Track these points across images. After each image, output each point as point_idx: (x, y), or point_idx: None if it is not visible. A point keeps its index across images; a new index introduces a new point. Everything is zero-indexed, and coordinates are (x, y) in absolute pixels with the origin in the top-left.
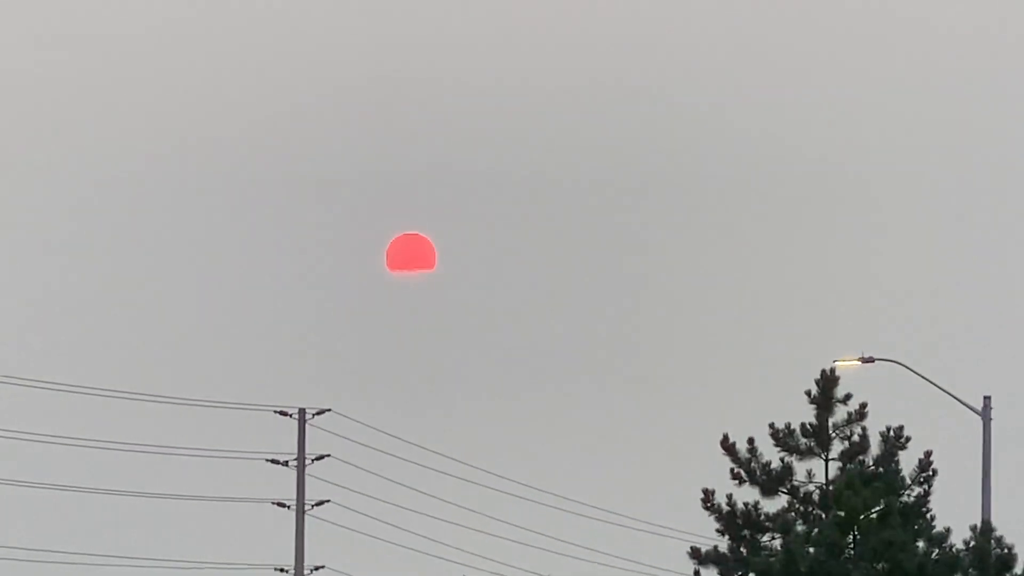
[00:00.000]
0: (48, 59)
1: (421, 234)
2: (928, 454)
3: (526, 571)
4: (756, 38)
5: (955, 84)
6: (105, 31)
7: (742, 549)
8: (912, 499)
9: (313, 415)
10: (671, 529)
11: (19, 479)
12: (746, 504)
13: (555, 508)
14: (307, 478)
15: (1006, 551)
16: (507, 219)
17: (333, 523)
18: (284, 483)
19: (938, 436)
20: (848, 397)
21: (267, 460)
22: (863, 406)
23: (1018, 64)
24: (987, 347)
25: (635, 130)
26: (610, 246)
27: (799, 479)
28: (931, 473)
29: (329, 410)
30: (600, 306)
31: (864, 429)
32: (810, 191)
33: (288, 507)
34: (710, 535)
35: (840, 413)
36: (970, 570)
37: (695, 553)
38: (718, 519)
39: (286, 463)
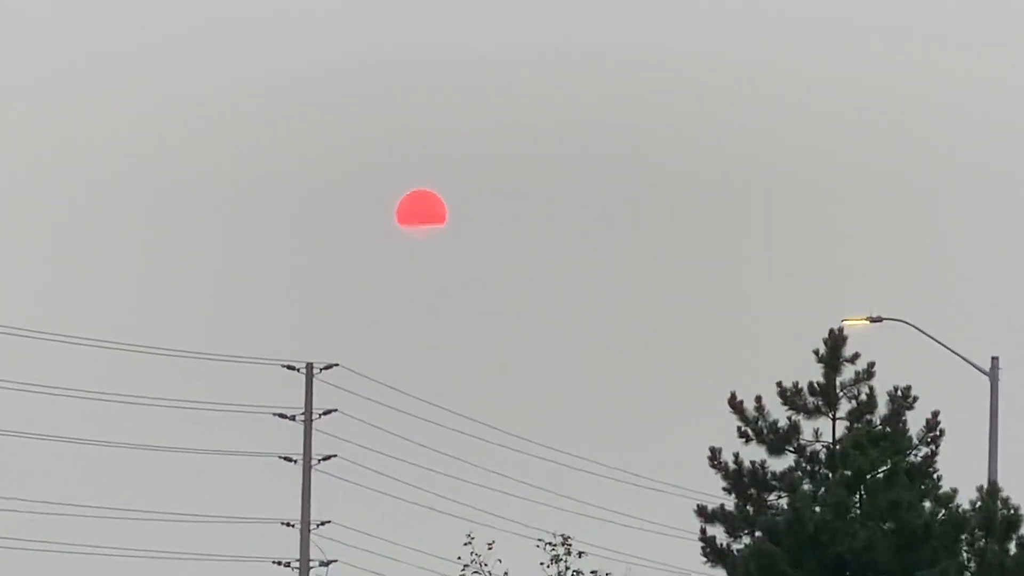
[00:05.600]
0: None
1: (432, 190)
2: (935, 414)
3: (532, 527)
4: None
5: (957, 58)
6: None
7: (748, 507)
8: (919, 459)
9: (321, 370)
10: (677, 487)
11: (24, 431)
12: (753, 463)
13: (562, 465)
14: (314, 433)
15: (1012, 512)
16: (517, 175)
17: (340, 478)
18: (291, 438)
19: (945, 396)
20: (856, 356)
21: (274, 414)
22: (871, 365)
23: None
24: (995, 307)
25: (647, 89)
26: (620, 205)
27: (806, 438)
28: (938, 433)
29: (337, 365)
30: (609, 264)
31: (871, 388)
32: (819, 154)
33: (295, 461)
34: (717, 493)
35: (848, 372)
36: (976, 531)
37: (701, 511)
38: (725, 477)
39: (293, 417)
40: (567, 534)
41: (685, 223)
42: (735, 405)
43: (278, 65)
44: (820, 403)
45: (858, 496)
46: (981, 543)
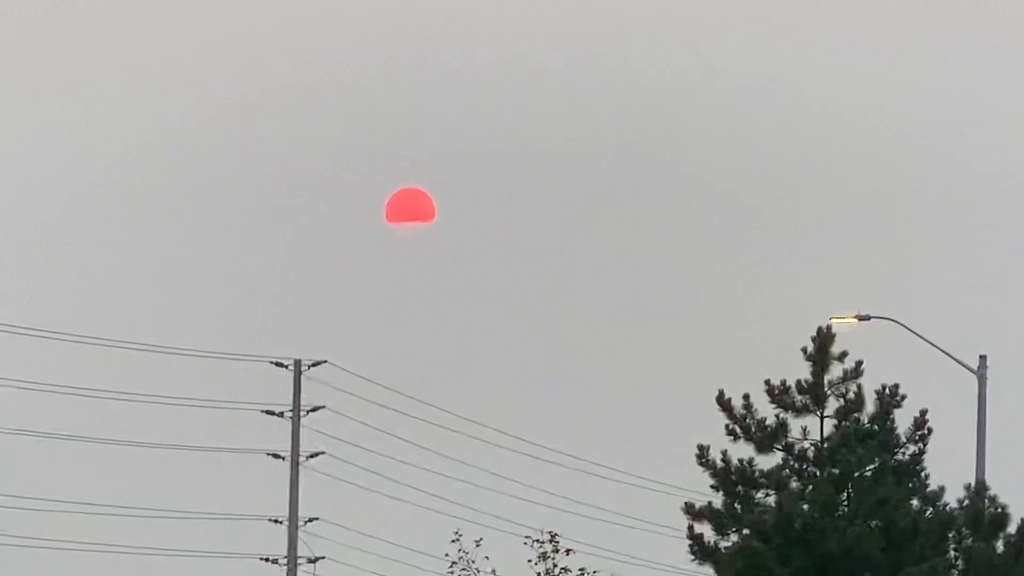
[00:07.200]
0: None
1: (420, 188)
2: (923, 412)
3: (520, 525)
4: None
5: (950, 56)
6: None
7: (736, 505)
8: (907, 457)
9: (309, 366)
10: (665, 484)
11: (11, 428)
12: (741, 460)
13: (550, 462)
14: (302, 430)
15: (1000, 511)
16: (506, 173)
17: (328, 475)
18: (279, 434)
19: (934, 394)
20: (844, 355)
21: (262, 411)
22: (859, 364)
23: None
24: (983, 306)
25: (637, 88)
26: (609, 203)
27: (794, 436)
28: (926, 431)
29: (325, 362)
30: (598, 261)
31: (859, 387)
32: (807, 150)
33: (283, 458)
34: (704, 491)
35: (836, 370)
36: (964, 529)
37: (689, 509)
38: (712, 475)
39: (281, 414)
40: (554, 531)
41: (673, 222)
42: (723, 403)
43: (267, 64)
44: (808, 401)
45: (846, 494)
46: (968, 541)
